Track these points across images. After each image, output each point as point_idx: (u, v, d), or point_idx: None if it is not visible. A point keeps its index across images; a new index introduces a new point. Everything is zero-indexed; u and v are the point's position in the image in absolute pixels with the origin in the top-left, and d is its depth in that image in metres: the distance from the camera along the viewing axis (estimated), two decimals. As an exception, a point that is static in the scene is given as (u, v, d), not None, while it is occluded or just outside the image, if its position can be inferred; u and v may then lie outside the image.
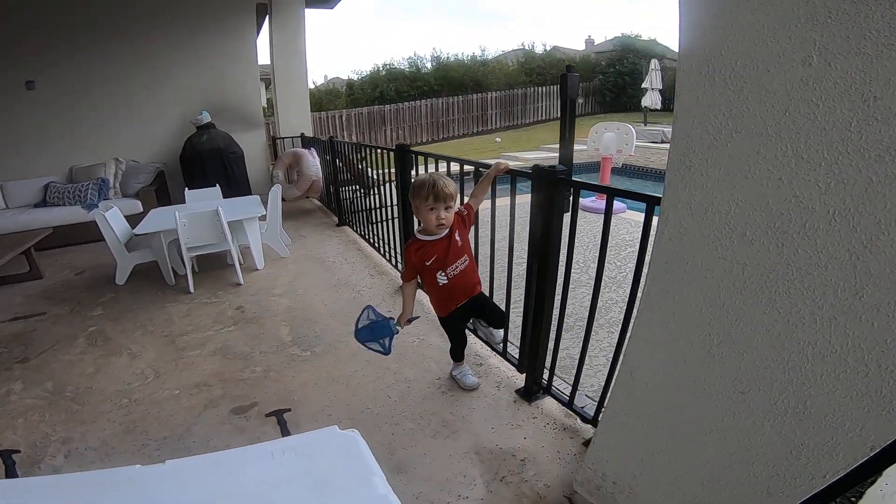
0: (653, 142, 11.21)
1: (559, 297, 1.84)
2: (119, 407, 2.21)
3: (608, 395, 1.35)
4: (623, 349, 1.51)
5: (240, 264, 3.65)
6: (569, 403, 1.96)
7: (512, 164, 2.02)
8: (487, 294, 2.12)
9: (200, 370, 2.49)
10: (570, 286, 1.79)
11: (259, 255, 3.86)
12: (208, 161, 5.21)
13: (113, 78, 5.72)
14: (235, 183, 5.42)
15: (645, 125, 12.91)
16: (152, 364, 2.57)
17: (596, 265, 1.61)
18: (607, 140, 5.51)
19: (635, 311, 1.36)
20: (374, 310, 1.97)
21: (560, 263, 1.80)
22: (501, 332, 2.21)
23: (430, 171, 2.56)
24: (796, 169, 0.81)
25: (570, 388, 1.95)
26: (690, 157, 0.97)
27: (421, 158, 2.82)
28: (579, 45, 25.18)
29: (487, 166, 2.00)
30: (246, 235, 3.67)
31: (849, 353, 0.79)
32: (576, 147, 11.50)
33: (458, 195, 1.91)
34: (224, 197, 4.42)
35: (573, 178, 1.65)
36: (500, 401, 2.10)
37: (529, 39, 38.36)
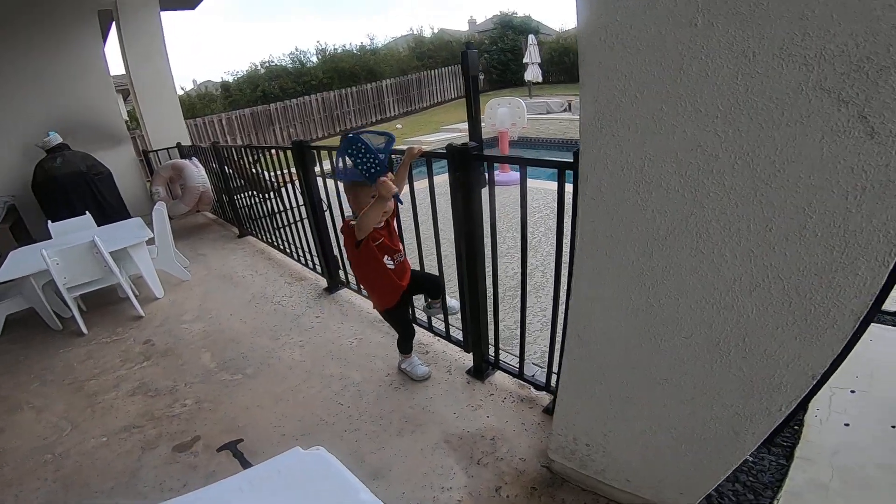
0: (539, 114, 11.91)
1: (489, 270, 1.90)
2: (44, 463, 1.94)
3: (562, 359, 1.41)
4: (561, 313, 1.61)
5: (135, 296, 3.22)
6: (519, 374, 2.05)
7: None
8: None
9: (123, 412, 2.21)
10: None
11: (155, 282, 3.44)
12: (70, 186, 4.51)
13: None
14: (110, 207, 4.80)
15: (531, 98, 13.64)
16: (64, 415, 2.24)
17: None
18: (502, 115, 5.76)
19: (565, 273, 1.45)
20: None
21: (485, 237, 1.85)
22: (456, 301, 2.21)
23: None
24: (696, 121, 0.90)
25: (518, 359, 2.04)
26: (600, 120, 1.03)
27: (324, 154, 2.68)
28: (463, 27, 25.70)
29: (400, 153, 1.96)
30: (136, 264, 3.24)
31: (771, 284, 0.91)
32: (447, 135, 12.07)
33: None
34: (98, 225, 3.86)
35: (485, 154, 1.69)
36: (454, 384, 2.13)
37: (417, 24, 38.12)
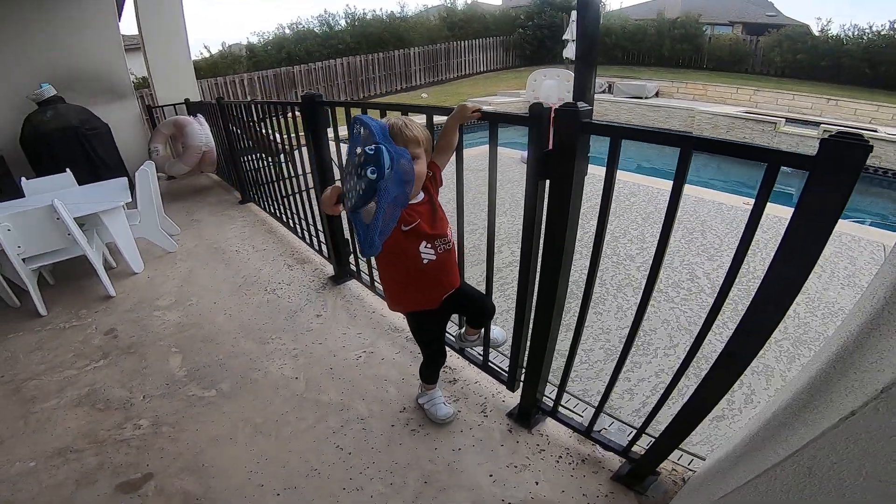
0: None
1: (573, 283, 1.30)
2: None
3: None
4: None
5: (108, 270, 2.71)
6: (587, 431, 1.47)
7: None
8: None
9: (62, 429, 1.71)
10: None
11: (132, 254, 2.92)
12: (58, 142, 4.07)
13: None
14: (104, 165, 4.33)
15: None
16: None
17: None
18: (548, 88, 5.03)
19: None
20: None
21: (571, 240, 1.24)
22: (501, 332, 1.68)
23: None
24: None
25: (589, 407, 1.48)
26: None
27: (341, 112, 2.07)
28: (497, 0, 24.29)
29: (445, 112, 1.34)
30: (108, 231, 2.72)
31: None
32: (509, 98, 11.28)
33: (430, 142, 1.27)
34: (87, 182, 3.37)
35: (605, 123, 1.06)
36: (491, 433, 1.56)
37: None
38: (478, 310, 1.49)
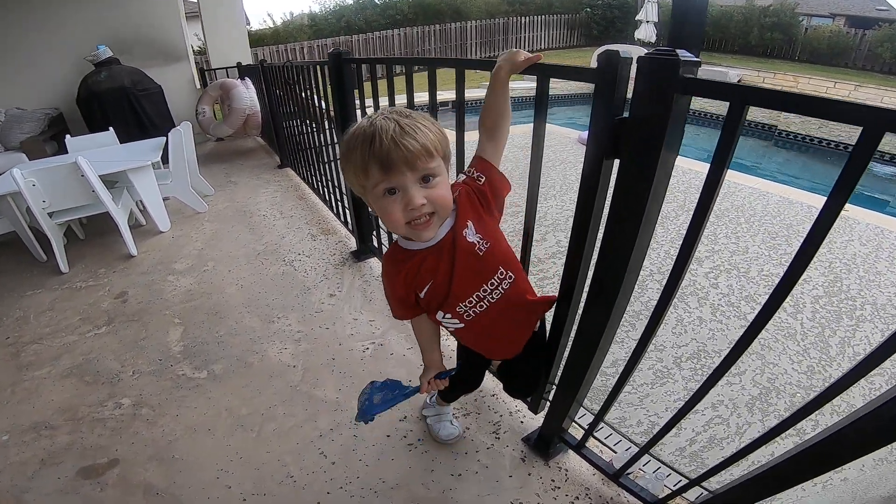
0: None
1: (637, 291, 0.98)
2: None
3: None
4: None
5: (137, 228, 2.67)
6: (615, 475, 1.17)
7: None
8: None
9: (45, 401, 1.62)
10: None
11: (160, 213, 2.86)
12: (109, 102, 4.16)
13: None
14: (152, 125, 4.41)
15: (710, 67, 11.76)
16: None
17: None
18: (616, 65, 4.45)
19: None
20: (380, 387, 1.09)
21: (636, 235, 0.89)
22: None
23: (389, 105, 1.36)
24: None
25: (623, 440, 1.17)
26: None
27: (380, 73, 1.80)
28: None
29: (482, 65, 1.00)
30: (136, 190, 2.66)
31: None
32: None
33: (448, 143, 0.80)
34: (137, 141, 3.39)
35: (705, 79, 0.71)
36: (500, 458, 1.30)
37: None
38: (526, 383, 1.19)
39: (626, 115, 0.76)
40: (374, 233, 2.42)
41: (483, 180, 0.86)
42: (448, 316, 0.89)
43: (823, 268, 2.45)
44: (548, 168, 4.07)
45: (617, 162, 0.79)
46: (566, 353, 1.12)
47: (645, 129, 0.71)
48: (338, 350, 1.76)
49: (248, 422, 1.46)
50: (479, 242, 0.82)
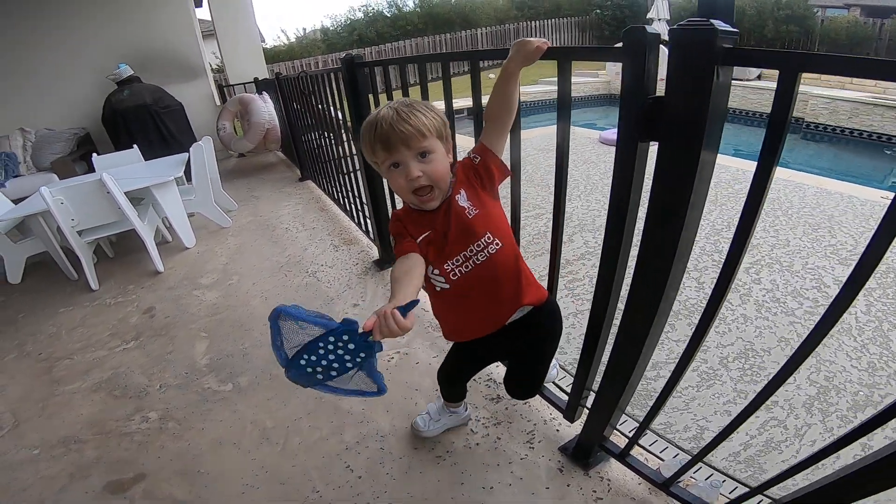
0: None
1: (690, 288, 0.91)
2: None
3: None
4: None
5: (164, 244, 2.71)
6: (665, 484, 1.09)
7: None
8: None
9: (74, 416, 1.64)
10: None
11: (185, 229, 2.90)
12: (132, 119, 4.26)
13: (12, 38, 4.58)
14: (175, 142, 4.48)
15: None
16: (15, 405, 1.74)
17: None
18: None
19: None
20: (297, 314, 0.76)
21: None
22: (554, 366, 1.41)
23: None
24: None
25: (671, 447, 1.09)
26: None
27: (386, 72, 1.79)
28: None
29: (495, 55, 1.00)
30: (161, 206, 2.70)
31: None
32: (585, 79, 10.45)
33: (446, 126, 0.94)
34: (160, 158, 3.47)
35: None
36: (535, 469, 1.24)
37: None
38: (528, 380, 1.16)
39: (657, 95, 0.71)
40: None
41: (478, 160, 0.97)
42: (436, 272, 0.96)
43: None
44: (571, 168, 3.96)
45: (654, 146, 0.73)
46: (603, 357, 1.05)
47: (685, 106, 0.66)
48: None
49: (273, 435, 1.44)
50: (468, 208, 0.93)
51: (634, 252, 0.86)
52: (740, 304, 1.97)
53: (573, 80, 0.94)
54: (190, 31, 5.47)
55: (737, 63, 0.62)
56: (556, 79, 0.93)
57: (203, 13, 6.31)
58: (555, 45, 0.87)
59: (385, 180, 0.97)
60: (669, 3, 12.47)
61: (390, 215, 1.23)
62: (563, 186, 1.05)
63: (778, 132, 0.61)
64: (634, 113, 0.73)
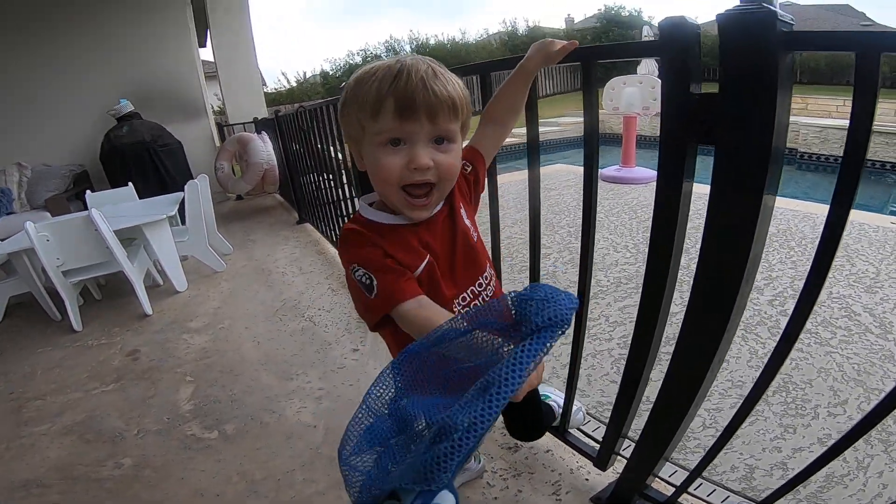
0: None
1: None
2: None
3: None
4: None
5: (154, 287, 2.58)
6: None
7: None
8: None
9: (40, 459, 1.48)
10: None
11: (176, 271, 2.77)
12: (130, 156, 4.19)
13: (13, 70, 4.60)
14: (172, 180, 4.39)
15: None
16: None
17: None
18: (629, 96, 4.43)
19: None
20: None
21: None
22: (579, 406, 1.22)
23: None
24: None
25: (718, 488, 0.95)
26: None
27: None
28: (559, 24, 23.92)
29: (509, 65, 0.90)
30: (152, 247, 2.59)
31: None
32: (575, 119, 10.63)
33: (468, 111, 0.68)
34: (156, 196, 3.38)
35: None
36: (564, 529, 1.07)
37: (511, 17, 37.18)
38: (530, 422, 0.96)
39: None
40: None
41: (469, 169, 0.79)
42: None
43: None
44: (573, 206, 3.89)
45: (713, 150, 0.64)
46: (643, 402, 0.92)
47: (746, 101, 0.57)
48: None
49: (262, 487, 1.27)
50: (471, 229, 0.75)
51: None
52: (770, 337, 1.85)
53: (568, 119, 0.88)
54: (192, 68, 5.52)
55: (804, 48, 0.55)
56: (550, 118, 0.87)
57: (206, 54, 6.46)
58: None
59: (352, 163, 0.78)
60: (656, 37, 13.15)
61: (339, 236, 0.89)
62: (591, 231, 0.96)
63: (866, 122, 0.52)
64: (680, 111, 0.65)
